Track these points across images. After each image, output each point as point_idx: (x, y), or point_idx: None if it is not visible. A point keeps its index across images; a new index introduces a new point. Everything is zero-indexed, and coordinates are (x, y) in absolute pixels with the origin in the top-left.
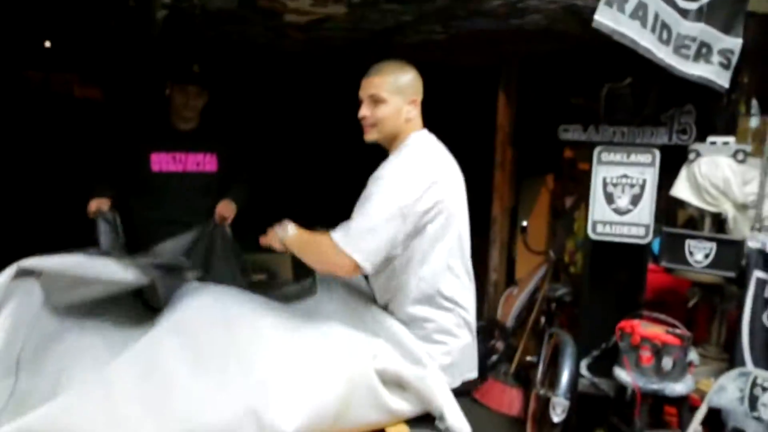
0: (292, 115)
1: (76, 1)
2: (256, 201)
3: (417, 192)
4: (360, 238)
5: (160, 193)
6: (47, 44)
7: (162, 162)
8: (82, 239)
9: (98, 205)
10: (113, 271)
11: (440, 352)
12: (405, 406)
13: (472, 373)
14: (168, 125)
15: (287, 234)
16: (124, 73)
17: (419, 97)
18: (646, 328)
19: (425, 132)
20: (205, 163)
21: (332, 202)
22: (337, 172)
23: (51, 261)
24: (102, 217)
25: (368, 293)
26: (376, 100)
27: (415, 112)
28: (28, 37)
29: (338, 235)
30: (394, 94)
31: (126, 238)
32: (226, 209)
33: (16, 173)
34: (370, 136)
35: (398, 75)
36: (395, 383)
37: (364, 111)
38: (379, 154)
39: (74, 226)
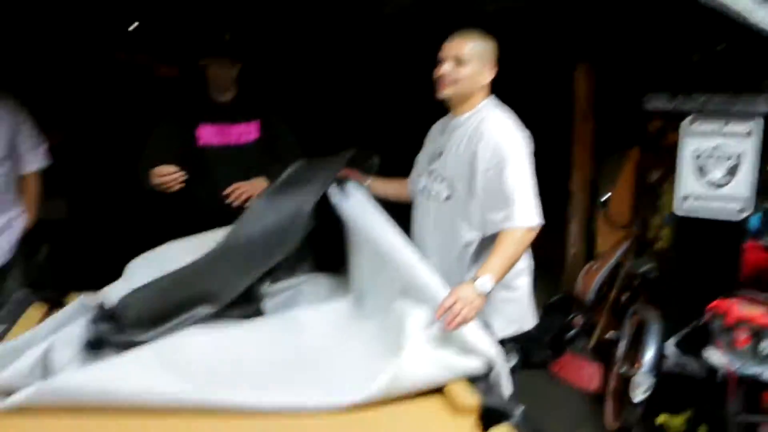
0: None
1: None
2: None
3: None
4: (530, 207)
5: (207, 167)
6: (131, 28)
7: (207, 136)
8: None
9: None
10: None
11: (518, 295)
12: (465, 365)
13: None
14: (207, 98)
15: (485, 288)
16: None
17: (495, 68)
18: (743, 309)
19: (494, 97)
20: (248, 132)
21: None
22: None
23: None
24: None
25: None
26: (459, 61)
27: (488, 80)
28: (115, 22)
29: (516, 219)
30: (475, 58)
31: (176, 215)
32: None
33: (105, 149)
34: (445, 92)
35: (481, 42)
36: (457, 345)
37: (446, 69)
38: (421, 118)
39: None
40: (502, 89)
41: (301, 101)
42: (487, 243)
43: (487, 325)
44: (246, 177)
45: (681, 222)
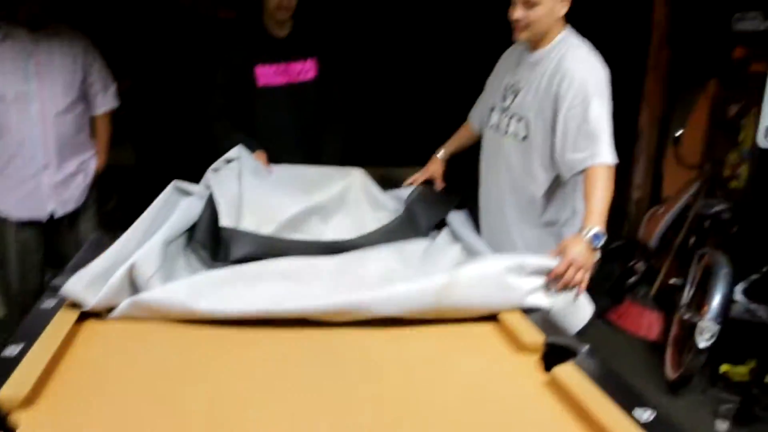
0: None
1: None
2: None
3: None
4: (611, 144)
5: (268, 107)
6: None
7: (266, 75)
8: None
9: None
10: None
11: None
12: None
13: None
14: (265, 34)
15: (599, 239)
16: None
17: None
18: None
19: (570, 28)
20: (306, 71)
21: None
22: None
23: None
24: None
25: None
26: (529, 3)
27: (563, 12)
28: None
29: (602, 156)
30: None
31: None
32: None
33: (171, 94)
34: (522, 35)
35: None
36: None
37: (518, 14)
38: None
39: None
40: (572, 14)
41: (357, 37)
42: (555, 186)
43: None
44: (305, 116)
45: (762, 157)
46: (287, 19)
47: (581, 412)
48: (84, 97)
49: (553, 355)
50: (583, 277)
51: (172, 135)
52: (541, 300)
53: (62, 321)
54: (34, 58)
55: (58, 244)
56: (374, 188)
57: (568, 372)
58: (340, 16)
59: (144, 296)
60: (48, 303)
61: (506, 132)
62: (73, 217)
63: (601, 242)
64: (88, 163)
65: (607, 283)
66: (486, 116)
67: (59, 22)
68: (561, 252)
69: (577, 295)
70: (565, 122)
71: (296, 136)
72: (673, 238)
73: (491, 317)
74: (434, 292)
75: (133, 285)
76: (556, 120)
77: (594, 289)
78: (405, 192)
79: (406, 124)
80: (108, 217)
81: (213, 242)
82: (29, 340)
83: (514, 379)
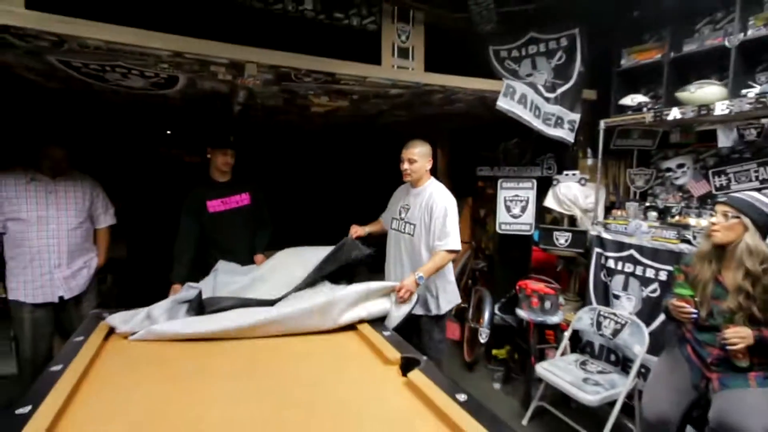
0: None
1: (183, 107)
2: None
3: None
4: (456, 239)
5: (216, 224)
6: (168, 132)
7: (214, 206)
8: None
9: None
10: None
11: (452, 285)
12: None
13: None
14: (212, 180)
15: (422, 279)
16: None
17: (431, 159)
18: (534, 284)
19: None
20: (242, 200)
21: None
22: (325, 206)
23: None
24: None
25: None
26: (412, 161)
27: (429, 165)
28: (159, 128)
29: (448, 245)
30: (421, 157)
31: (200, 263)
32: (258, 259)
33: (152, 211)
34: (409, 178)
35: (422, 147)
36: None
37: (405, 166)
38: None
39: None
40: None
41: (274, 180)
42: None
43: (438, 303)
44: (243, 226)
45: (499, 237)
46: (229, 171)
47: (427, 401)
48: (90, 218)
49: (406, 365)
50: (408, 295)
51: (151, 239)
52: (384, 305)
53: (66, 380)
54: (53, 195)
55: (66, 319)
56: (304, 252)
57: (416, 376)
58: (262, 166)
59: (155, 326)
60: (55, 368)
61: (403, 231)
62: (78, 299)
63: (423, 281)
64: (91, 261)
65: None
66: (389, 222)
67: (73, 168)
68: (402, 282)
69: (404, 302)
70: (435, 226)
71: (237, 238)
72: (460, 281)
73: (363, 339)
74: (320, 308)
75: (148, 320)
76: (431, 224)
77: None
78: (324, 251)
79: (309, 229)
80: (105, 294)
81: (199, 306)
82: (37, 402)
83: (384, 382)
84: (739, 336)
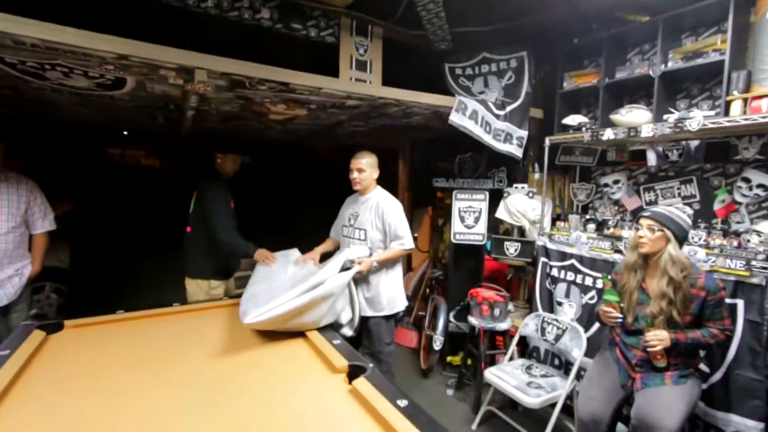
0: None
1: (142, 108)
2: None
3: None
4: (410, 239)
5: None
6: (125, 132)
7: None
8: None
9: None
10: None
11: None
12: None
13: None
14: (225, 180)
15: (375, 264)
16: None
17: (378, 168)
18: (485, 292)
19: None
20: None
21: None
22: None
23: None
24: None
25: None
26: (360, 171)
27: (376, 175)
28: (112, 129)
29: (405, 246)
30: (368, 167)
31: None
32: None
33: (103, 216)
34: (357, 187)
35: (369, 158)
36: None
37: (354, 176)
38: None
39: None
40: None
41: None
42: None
43: (385, 304)
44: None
45: (454, 247)
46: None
47: (369, 407)
48: (25, 222)
49: (353, 372)
50: (366, 267)
51: (100, 244)
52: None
53: None
54: None
55: None
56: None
57: (361, 383)
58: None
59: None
60: None
61: (353, 237)
62: (6, 309)
63: (376, 266)
64: (24, 269)
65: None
66: (340, 230)
67: (9, 167)
68: (362, 261)
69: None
70: (389, 230)
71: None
72: (419, 290)
73: (312, 347)
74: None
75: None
76: (384, 228)
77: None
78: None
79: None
80: (45, 303)
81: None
82: None
83: (331, 390)
84: (658, 339)
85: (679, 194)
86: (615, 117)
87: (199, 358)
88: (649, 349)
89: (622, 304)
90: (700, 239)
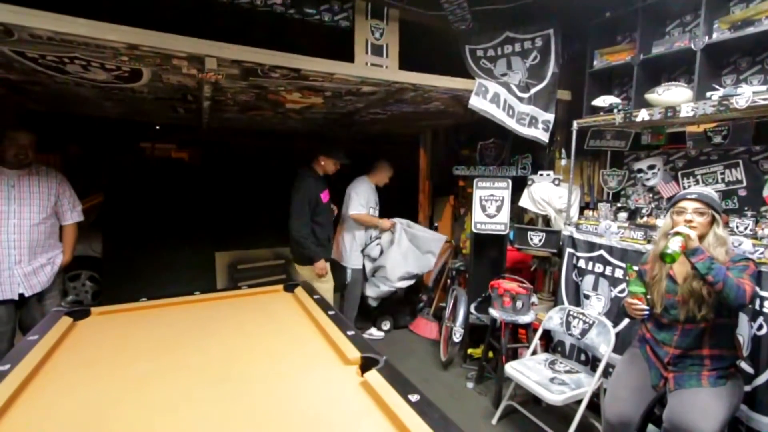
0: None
1: (161, 100)
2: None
3: None
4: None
5: (324, 212)
6: (157, 127)
7: (324, 196)
8: None
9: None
10: None
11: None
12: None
13: None
14: (319, 176)
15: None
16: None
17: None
18: (507, 284)
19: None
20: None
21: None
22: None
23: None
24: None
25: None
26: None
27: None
28: (146, 124)
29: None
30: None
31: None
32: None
33: (132, 213)
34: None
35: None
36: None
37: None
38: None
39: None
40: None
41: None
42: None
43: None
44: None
45: (475, 237)
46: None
47: (380, 400)
48: (55, 214)
49: (366, 365)
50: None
51: (133, 234)
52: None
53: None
54: (15, 189)
55: (28, 317)
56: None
57: (373, 376)
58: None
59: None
60: (2, 368)
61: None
62: (41, 296)
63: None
64: (55, 258)
65: (408, 308)
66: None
67: (39, 161)
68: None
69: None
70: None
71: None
72: (440, 281)
73: (326, 338)
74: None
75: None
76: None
77: (405, 311)
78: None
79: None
80: (80, 290)
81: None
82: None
83: (342, 381)
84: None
85: (723, 179)
86: (651, 96)
87: (215, 346)
88: (680, 231)
89: (648, 296)
90: (746, 228)
